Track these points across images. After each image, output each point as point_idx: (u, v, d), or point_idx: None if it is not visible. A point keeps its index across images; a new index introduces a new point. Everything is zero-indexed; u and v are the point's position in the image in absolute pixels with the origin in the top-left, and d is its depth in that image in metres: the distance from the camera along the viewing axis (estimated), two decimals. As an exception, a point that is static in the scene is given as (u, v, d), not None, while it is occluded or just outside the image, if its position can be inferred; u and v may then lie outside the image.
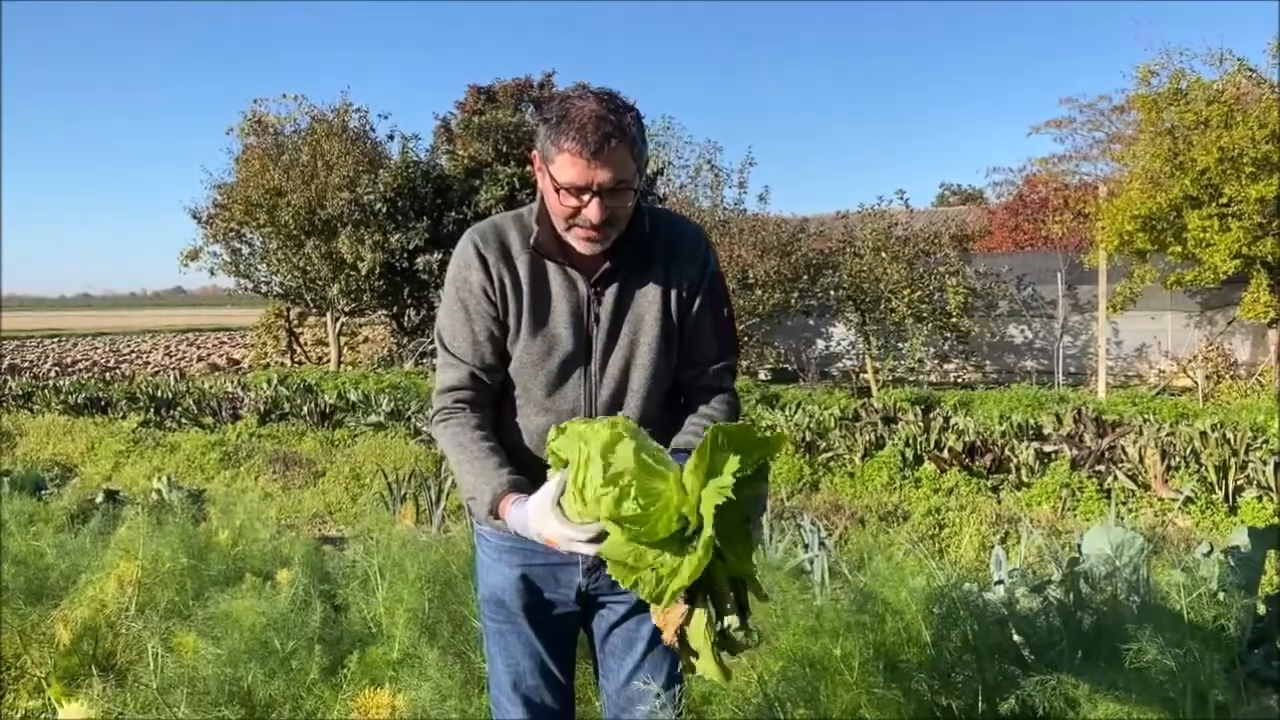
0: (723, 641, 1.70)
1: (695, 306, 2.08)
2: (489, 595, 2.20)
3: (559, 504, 1.71)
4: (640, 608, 2.12)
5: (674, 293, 2.05)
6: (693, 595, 1.68)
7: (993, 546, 5.15)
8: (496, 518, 1.91)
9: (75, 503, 6.21)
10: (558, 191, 1.89)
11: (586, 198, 1.87)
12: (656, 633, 2.11)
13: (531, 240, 2.01)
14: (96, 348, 35.08)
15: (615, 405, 2.04)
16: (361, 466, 8.23)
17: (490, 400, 2.08)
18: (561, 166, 1.86)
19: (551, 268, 2.02)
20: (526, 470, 1.96)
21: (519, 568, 2.14)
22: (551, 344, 2.02)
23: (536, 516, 1.75)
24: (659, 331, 2.05)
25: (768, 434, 1.67)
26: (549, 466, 1.79)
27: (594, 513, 1.64)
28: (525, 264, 2.02)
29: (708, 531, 1.56)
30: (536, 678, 2.19)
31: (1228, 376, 13.77)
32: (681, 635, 1.70)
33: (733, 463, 1.58)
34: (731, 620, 1.70)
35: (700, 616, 1.68)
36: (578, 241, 1.95)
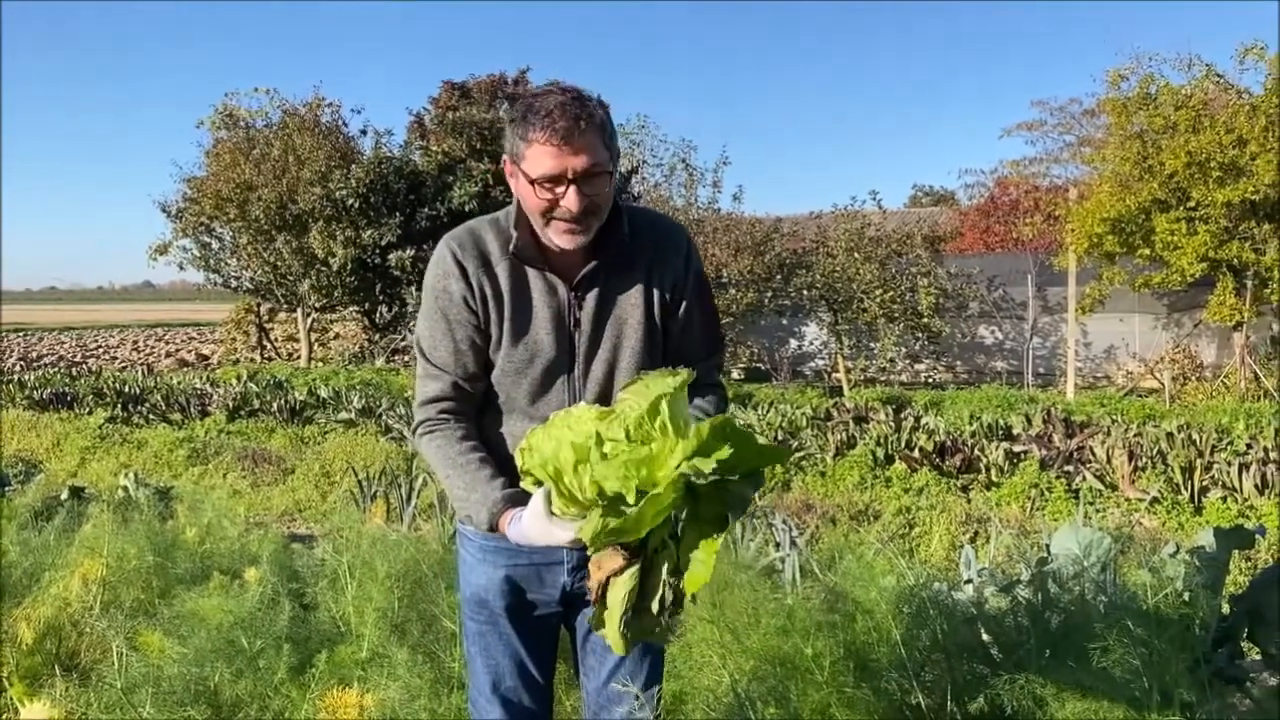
0: (635, 618, 1.68)
1: (682, 307, 2.07)
2: (471, 595, 2.18)
3: (549, 510, 1.69)
4: None
5: (657, 294, 2.04)
6: (634, 556, 1.66)
7: (962, 546, 5.19)
8: (493, 531, 1.90)
9: (39, 499, 6.13)
10: (533, 185, 1.86)
11: (563, 188, 1.85)
12: None
13: (511, 246, 1.97)
14: (63, 342, 34.65)
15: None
16: (332, 464, 8.17)
17: (474, 409, 2.05)
18: (534, 159, 1.84)
19: (532, 273, 2.00)
20: (514, 477, 1.93)
21: (504, 568, 2.12)
22: (534, 351, 2.00)
23: (534, 529, 1.74)
24: (642, 334, 2.03)
25: (775, 446, 1.64)
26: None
27: (579, 431, 1.63)
28: (505, 270, 1.99)
29: (657, 492, 1.53)
30: (515, 679, 2.18)
31: (1194, 378, 13.92)
32: (603, 589, 1.68)
33: (724, 451, 1.55)
34: (656, 603, 1.67)
35: (626, 581, 1.66)
36: (558, 236, 1.91)
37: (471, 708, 2.25)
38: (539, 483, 1.72)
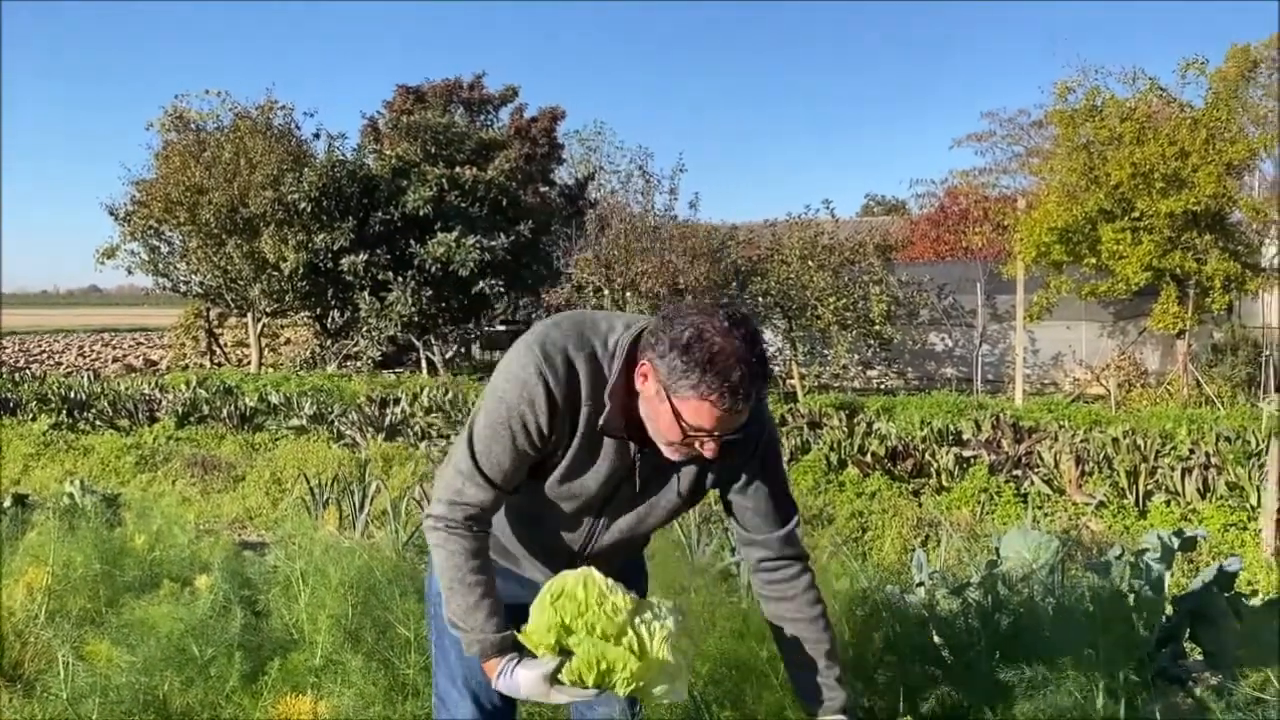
0: None
1: (750, 478, 2.05)
2: None
3: (557, 678, 1.80)
4: None
5: (710, 472, 2.02)
6: None
7: (914, 549, 5.24)
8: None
9: (-19, 507, 5.98)
10: (681, 428, 1.80)
11: (706, 437, 1.81)
12: None
13: (600, 421, 1.89)
14: (5, 347, 33.83)
15: (612, 550, 2.09)
16: (283, 470, 8.07)
17: (492, 519, 2.03)
18: (695, 411, 1.77)
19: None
20: (510, 553, 2.10)
21: None
22: (578, 493, 1.99)
23: (530, 690, 1.84)
24: (678, 504, 2.05)
25: None
26: (530, 563, 2.02)
27: None
28: (586, 416, 1.90)
29: None
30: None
31: (1139, 385, 14.20)
32: None
33: None
34: None
35: None
36: (669, 452, 1.88)
37: (439, 703, 2.25)
38: (555, 643, 1.82)
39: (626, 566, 2.20)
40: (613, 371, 1.88)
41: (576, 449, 1.93)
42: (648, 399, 1.84)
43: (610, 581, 1.83)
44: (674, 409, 1.78)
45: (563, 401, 1.87)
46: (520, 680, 1.85)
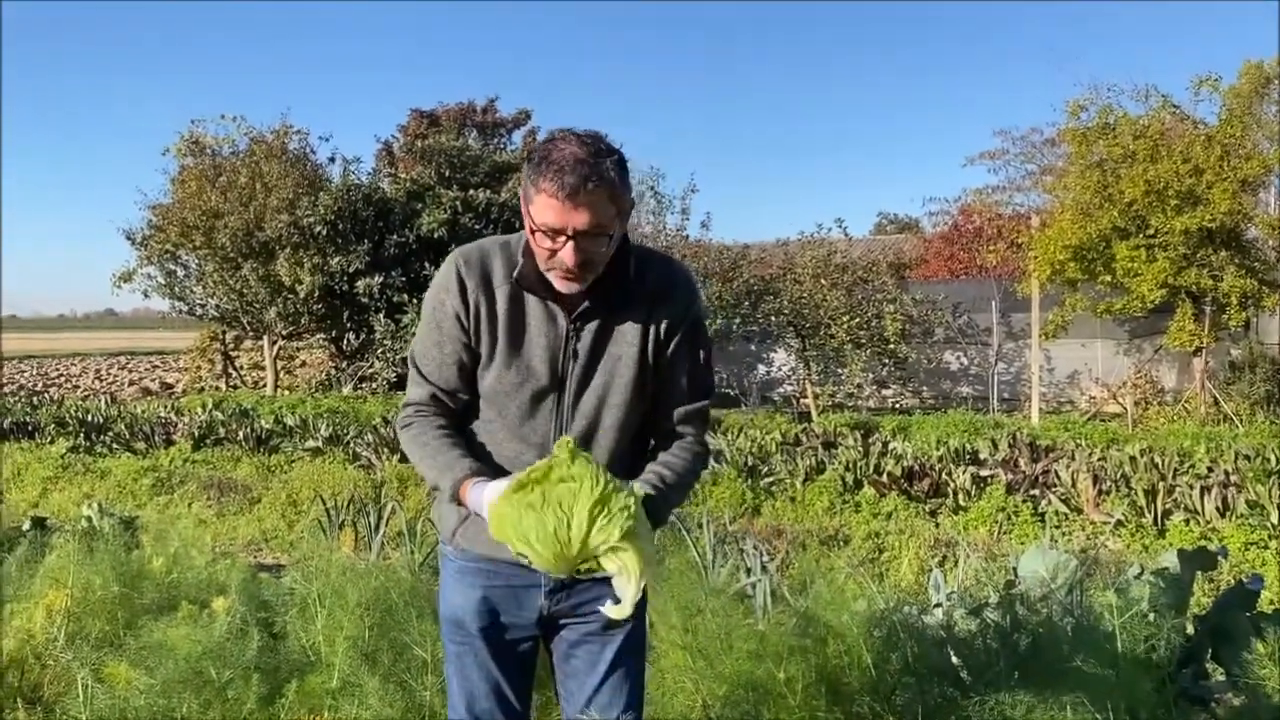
0: None
1: (671, 350, 2.09)
2: (450, 616, 2.19)
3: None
4: (605, 629, 2.13)
5: (652, 335, 2.06)
6: None
7: (931, 570, 5.22)
8: (459, 504, 1.96)
9: (0, 531, 6.02)
10: (533, 232, 1.91)
11: (562, 240, 1.88)
12: (619, 656, 2.13)
13: (515, 273, 2.01)
14: (23, 371, 34.08)
15: (587, 440, 2.05)
16: (299, 492, 8.10)
17: (452, 417, 2.09)
18: (539, 207, 1.87)
19: (532, 300, 2.03)
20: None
21: (480, 589, 2.13)
22: (525, 375, 2.02)
23: (493, 494, 1.84)
24: (635, 372, 2.06)
25: None
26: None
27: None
28: (505, 294, 2.02)
29: None
30: (490, 702, 2.17)
31: (1155, 403, 14.11)
32: None
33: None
34: None
35: None
36: (556, 281, 1.96)
37: None
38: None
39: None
40: (522, 238, 2.02)
41: (505, 328, 2.02)
42: (526, 224, 1.96)
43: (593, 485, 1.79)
44: (530, 217, 1.91)
45: (474, 283, 2.01)
46: (490, 490, 1.87)
